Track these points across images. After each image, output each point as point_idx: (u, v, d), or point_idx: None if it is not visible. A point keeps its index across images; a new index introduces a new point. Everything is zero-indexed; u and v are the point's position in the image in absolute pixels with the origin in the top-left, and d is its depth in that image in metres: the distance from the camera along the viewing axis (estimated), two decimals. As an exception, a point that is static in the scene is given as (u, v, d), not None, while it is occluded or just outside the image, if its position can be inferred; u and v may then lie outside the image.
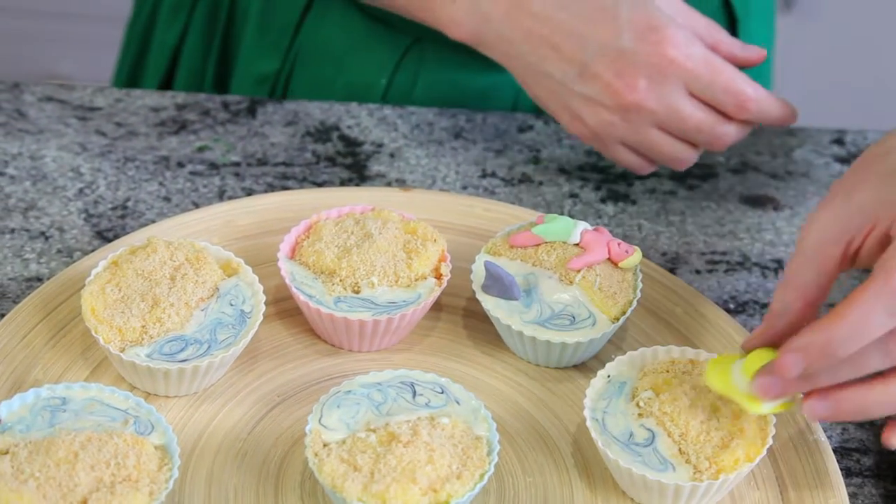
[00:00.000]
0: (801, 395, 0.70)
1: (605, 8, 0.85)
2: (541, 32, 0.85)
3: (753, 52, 0.88)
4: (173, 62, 1.05)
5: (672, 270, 0.90)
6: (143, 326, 0.76)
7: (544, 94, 0.87)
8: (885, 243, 0.71)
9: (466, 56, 0.98)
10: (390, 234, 0.82)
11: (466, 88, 1.00)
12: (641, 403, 0.75)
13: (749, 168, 0.97)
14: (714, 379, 0.72)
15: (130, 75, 1.08)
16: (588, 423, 0.74)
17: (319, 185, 0.93)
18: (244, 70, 1.02)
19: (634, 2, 0.85)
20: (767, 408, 0.70)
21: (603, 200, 0.94)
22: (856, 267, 0.73)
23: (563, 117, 0.87)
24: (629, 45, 0.84)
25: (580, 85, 0.85)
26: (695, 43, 0.85)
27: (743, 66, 0.88)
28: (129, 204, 0.91)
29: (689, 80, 0.85)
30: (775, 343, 0.72)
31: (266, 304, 0.81)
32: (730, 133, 0.87)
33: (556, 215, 0.83)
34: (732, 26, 1.05)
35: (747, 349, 0.73)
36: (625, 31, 0.84)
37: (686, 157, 0.88)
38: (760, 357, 0.71)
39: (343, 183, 0.94)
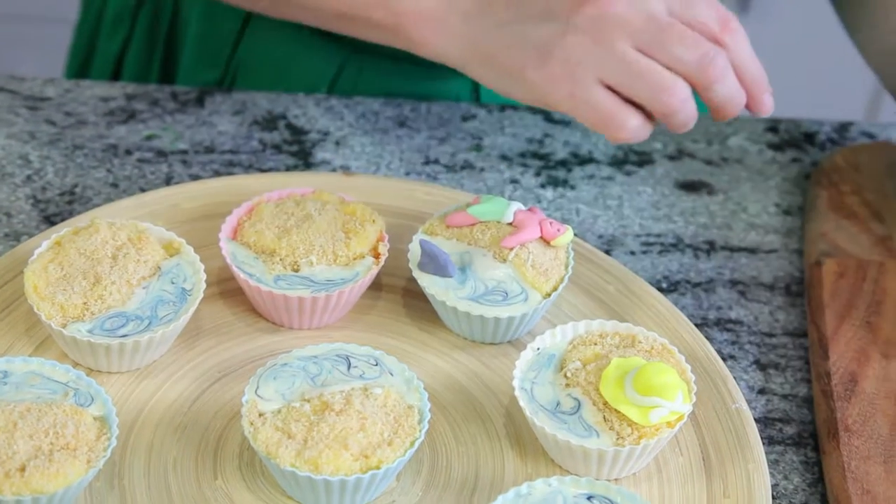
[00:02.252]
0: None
1: None
2: None
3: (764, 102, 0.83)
4: (116, 71, 1.08)
5: (608, 252, 0.92)
6: (85, 303, 0.78)
7: (503, 50, 0.78)
8: None
9: (406, 65, 1.00)
10: (329, 215, 0.84)
11: (406, 96, 1.02)
12: (569, 374, 0.77)
13: (685, 154, 1.00)
14: (608, 390, 0.75)
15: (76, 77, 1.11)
16: (517, 393, 0.76)
17: (265, 171, 0.96)
18: (186, 80, 1.05)
19: None
20: (655, 420, 0.74)
21: (542, 186, 0.97)
22: None
23: (528, 68, 0.77)
24: None
25: (539, 23, 0.77)
26: None
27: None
28: (77, 190, 0.93)
29: None
30: None
31: (209, 284, 0.83)
32: (721, 59, 0.77)
33: (491, 196, 0.85)
34: None
35: None
36: None
37: (674, 85, 0.77)
38: (651, 371, 0.75)
39: (289, 169, 0.96)
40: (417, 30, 0.81)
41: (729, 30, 0.79)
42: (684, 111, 0.79)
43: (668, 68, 0.78)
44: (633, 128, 0.78)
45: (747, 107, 0.82)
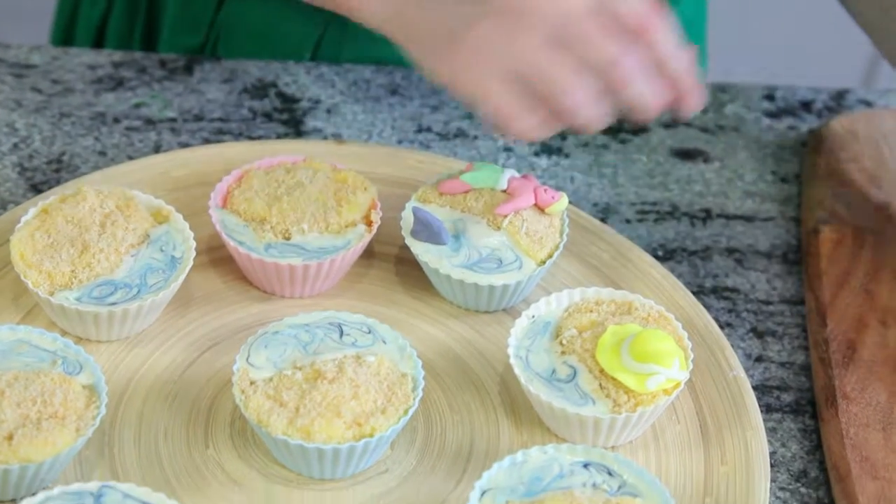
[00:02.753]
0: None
1: None
2: None
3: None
4: (99, 39, 1.06)
5: (603, 220, 0.91)
6: (73, 271, 0.77)
7: (423, 25, 0.75)
8: None
9: None
10: (321, 183, 0.83)
11: (390, 61, 1.01)
12: (564, 341, 0.76)
13: (680, 122, 0.99)
14: (604, 357, 0.74)
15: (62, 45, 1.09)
16: (511, 361, 0.75)
17: (255, 139, 0.94)
18: (168, 46, 1.03)
19: None
20: (652, 387, 0.73)
21: (536, 154, 0.96)
22: None
23: (440, 49, 0.74)
24: None
25: (464, 4, 0.73)
26: None
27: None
28: (65, 158, 0.92)
29: None
30: None
31: (199, 252, 0.82)
32: (633, 63, 0.73)
33: (484, 163, 0.84)
34: None
35: None
36: None
37: (574, 86, 0.73)
38: (648, 338, 0.74)
39: (279, 138, 0.95)
40: None
41: (650, 25, 0.74)
42: (585, 113, 0.74)
43: (578, 67, 0.74)
44: (529, 127, 0.74)
45: (672, 105, 0.78)
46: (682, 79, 0.76)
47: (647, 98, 0.75)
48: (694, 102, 0.77)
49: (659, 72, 0.75)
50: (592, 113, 0.75)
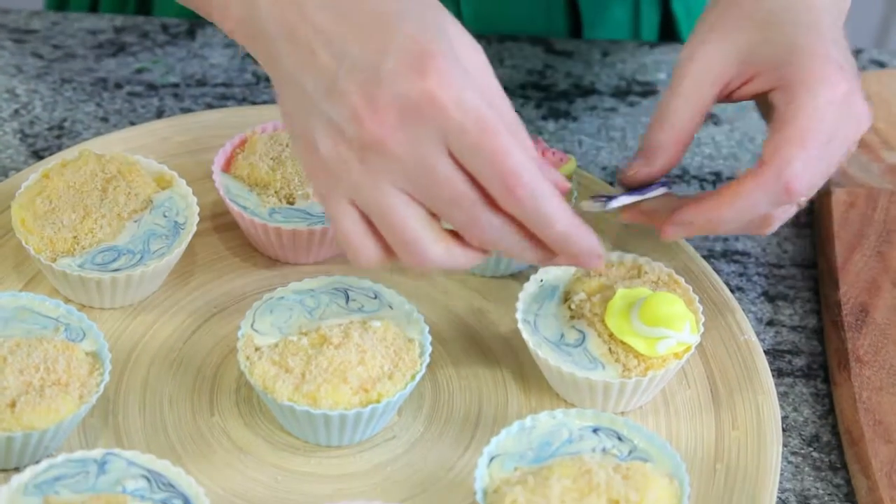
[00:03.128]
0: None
1: (383, 18, 0.65)
2: (303, 32, 0.66)
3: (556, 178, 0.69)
4: (94, 4, 1.05)
5: (612, 184, 0.90)
6: (75, 237, 0.76)
7: (291, 110, 0.67)
8: (765, 96, 0.73)
9: None
10: (325, 146, 0.82)
11: None
12: (573, 306, 0.76)
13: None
14: (613, 321, 0.73)
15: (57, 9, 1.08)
16: (520, 325, 0.74)
17: (259, 104, 0.93)
18: (163, 9, 1.01)
19: (423, 20, 0.65)
20: (662, 351, 0.72)
21: (544, 118, 0.94)
22: (728, 102, 0.75)
23: (297, 143, 0.67)
24: (391, 67, 0.64)
25: (326, 102, 0.65)
26: (473, 90, 0.65)
27: None
28: (66, 124, 0.91)
29: (450, 133, 0.64)
30: (650, 178, 0.74)
31: (202, 218, 0.81)
32: (498, 231, 0.66)
33: (491, 126, 0.83)
34: None
35: (624, 184, 0.75)
36: (394, 50, 0.64)
37: (434, 252, 0.66)
38: (658, 301, 0.73)
39: (283, 103, 0.94)
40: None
41: (513, 197, 0.65)
42: (437, 264, 0.67)
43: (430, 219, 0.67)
44: (367, 259, 0.67)
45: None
46: (561, 244, 0.67)
47: (521, 256, 0.68)
48: (585, 262, 0.68)
49: (533, 234, 0.67)
50: (444, 262, 0.67)
